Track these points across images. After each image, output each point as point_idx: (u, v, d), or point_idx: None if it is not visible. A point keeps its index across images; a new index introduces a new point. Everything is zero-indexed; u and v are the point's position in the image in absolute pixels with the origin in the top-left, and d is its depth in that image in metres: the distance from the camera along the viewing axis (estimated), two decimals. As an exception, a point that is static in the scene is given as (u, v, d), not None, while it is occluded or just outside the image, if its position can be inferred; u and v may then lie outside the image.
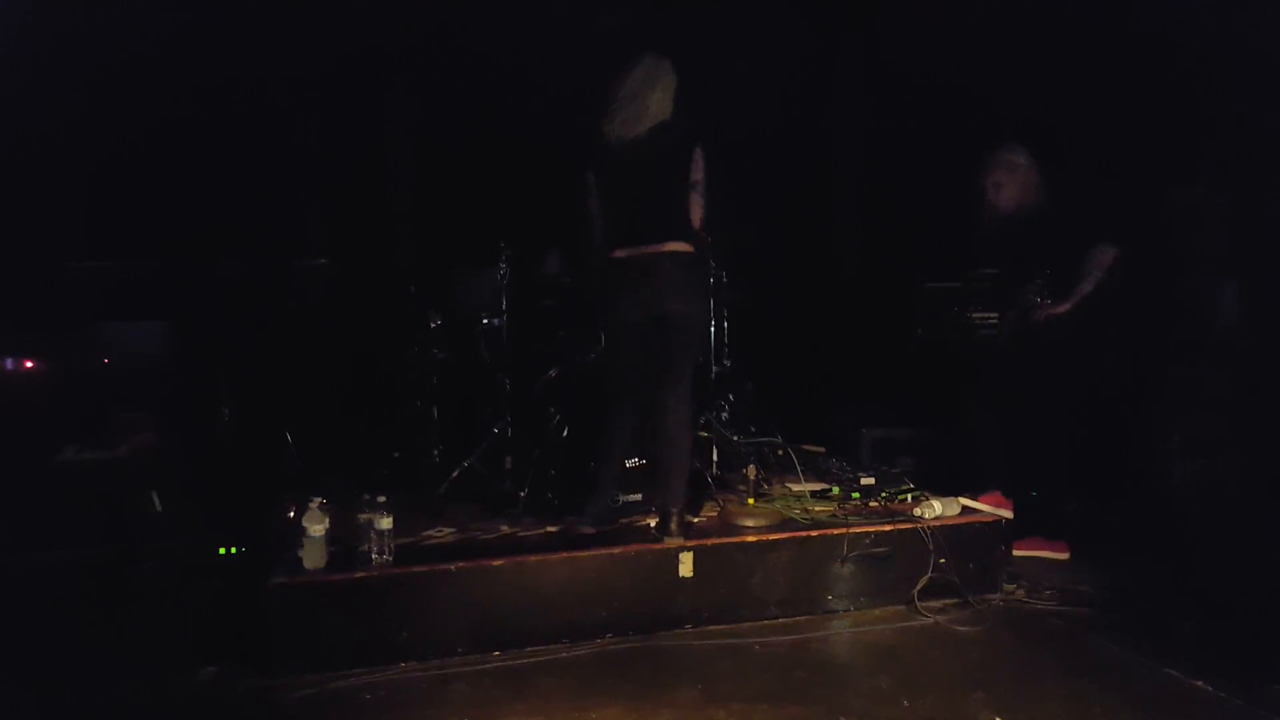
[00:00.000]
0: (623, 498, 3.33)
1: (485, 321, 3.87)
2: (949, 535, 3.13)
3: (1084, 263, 3.47)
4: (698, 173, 2.97)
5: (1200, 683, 2.50)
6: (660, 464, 3.09)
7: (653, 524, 3.09)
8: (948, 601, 3.09)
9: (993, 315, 3.81)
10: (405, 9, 4.59)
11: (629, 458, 3.26)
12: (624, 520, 3.22)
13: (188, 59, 4.24)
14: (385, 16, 4.57)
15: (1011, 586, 3.22)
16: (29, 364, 3.80)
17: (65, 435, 3.70)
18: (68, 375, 3.85)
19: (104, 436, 3.73)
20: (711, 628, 2.91)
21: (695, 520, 3.19)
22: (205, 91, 4.30)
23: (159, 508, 3.59)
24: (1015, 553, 3.48)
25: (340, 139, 4.74)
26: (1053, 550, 3.56)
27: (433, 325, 3.91)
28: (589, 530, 3.05)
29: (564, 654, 2.72)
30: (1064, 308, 3.46)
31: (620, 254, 3.02)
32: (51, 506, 3.50)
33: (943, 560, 3.09)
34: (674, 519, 2.96)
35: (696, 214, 2.99)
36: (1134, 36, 4.23)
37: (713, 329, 4.06)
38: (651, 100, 2.98)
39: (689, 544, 2.93)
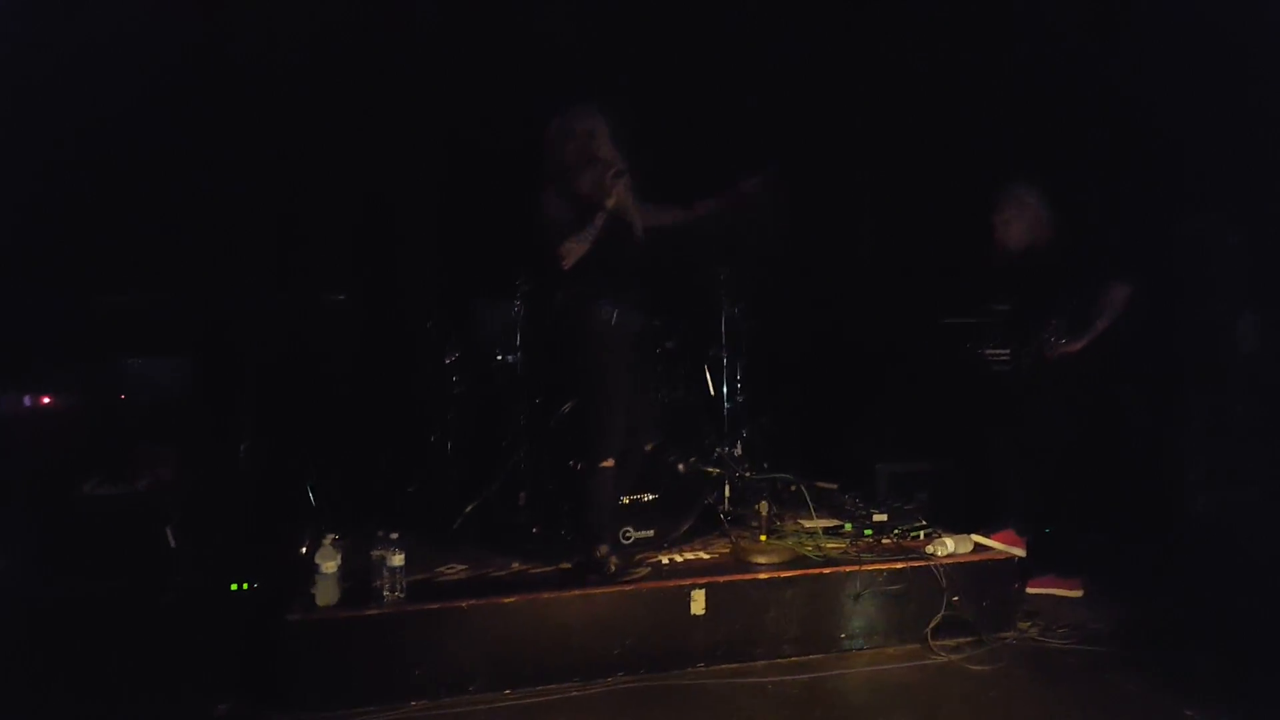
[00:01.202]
0: (635, 534, 3.34)
1: (500, 357, 3.91)
2: (962, 573, 3.12)
3: (1097, 301, 3.47)
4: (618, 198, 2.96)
5: (1218, 725, 2.46)
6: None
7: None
8: (962, 640, 3.07)
9: (1004, 352, 3.81)
10: (424, 43, 4.68)
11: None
12: (638, 557, 3.21)
13: (208, 95, 4.33)
14: (405, 51, 4.67)
15: (1026, 624, 3.19)
16: (46, 400, 3.86)
17: (85, 469, 3.74)
18: (88, 409, 3.91)
19: (124, 470, 3.77)
20: (725, 666, 2.90)
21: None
22: (225, 126, 4.39)
23: (173, 543, 3.62)
24: (1029, 590, 3.46)
25: (359, 175, 4.83)
26: (1066, 588, 3.51)
27: (449, 360, 3.95)
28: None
29: (576, 693, 2.72)
30: (1077, 345, 3.45)
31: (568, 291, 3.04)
32: (70, 540, 3.54)
33: (956, 598, 3.07)
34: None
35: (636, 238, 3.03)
36: (1148, 67, 4.23)
37: (725, 363, 4.08)
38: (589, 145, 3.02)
39: (701, 580, 2.93)
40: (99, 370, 4.01)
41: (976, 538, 3.29)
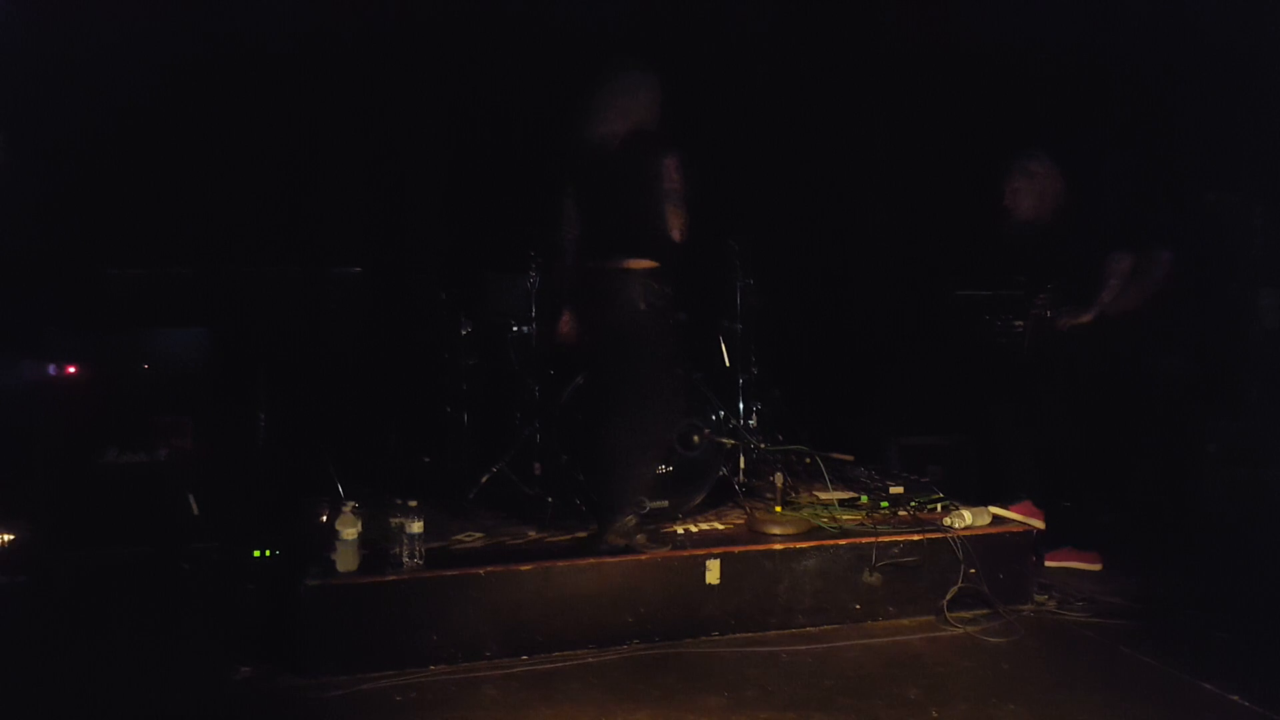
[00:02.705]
0: (649, 504, 3.34)
1: (515, 329, 3.91)
2: (979, 545, 3.11)
3: (1100, 271, 3.45)
4: (670, 183, 2.91)
5: (1236, 697, 2.45)
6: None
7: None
8: (978, 612, 3.07)
9: (1017, 323, 3.78)
10: (433, 15, 4.64)
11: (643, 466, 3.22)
12: (650, 528, 3.23)
13: (224, 70, 4.33)
14: (416, 22, 4.63)
15: (1043, 597, 3.19)
16: (72, 369, 3.90)
17: (107, 437, 3.79)
18: (110, 379, 3.95)
19: (144, 439, 3.82)
20: (738, 635, 2.91)
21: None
22: (240, 100, 4.38)
23: (196, 510, 3.67)
24: (1047, 563, 3.46)
25: (373, 147, 4.82)
26: (1085, 561, 3.51)
27: (464, 332, 3.95)
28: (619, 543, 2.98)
29: (591, 659, 2.74)
30: (1085, 317, 3.43)
31: (591, 265, 3.02)
32: (93, 508, 3.59)
33: (973, 570, 3.07)
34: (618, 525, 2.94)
35: (675, 225, 2.93)
36: (1171, 41, 4.17)
37: (739, 335, 4.06)
38: (630, 106, 2.94)
39: (716, 550, 2.94)
40: (119, 341, 4.04)
41: (995, 509, 3.28)
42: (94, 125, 4.11)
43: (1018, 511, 3.29)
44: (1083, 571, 3.48)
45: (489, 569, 2.78)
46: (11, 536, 3.47)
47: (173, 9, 4.19)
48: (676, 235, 2.95)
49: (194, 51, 4.24)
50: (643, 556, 2.90)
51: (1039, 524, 3.28)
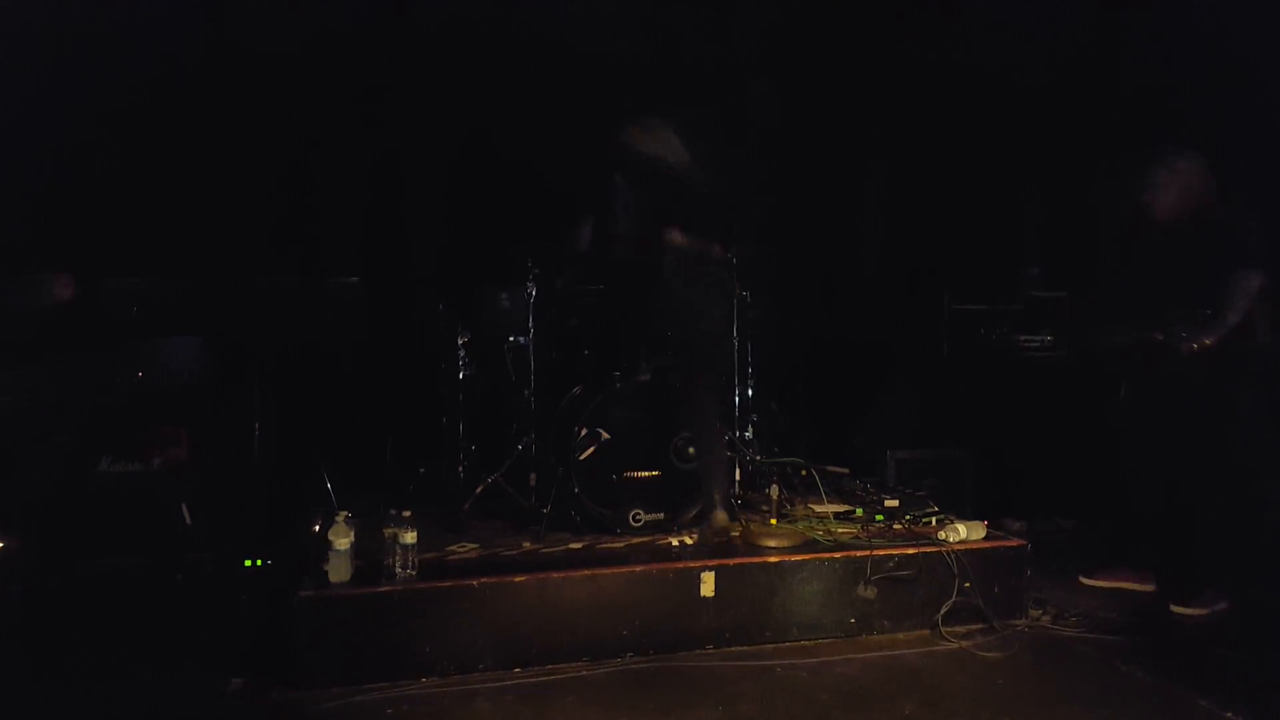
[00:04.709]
0: (645, 516, 3.34)
1: (512, 340, 3.91)
2: (974, 559, 3.10)
3: (1227, 289, 3.04)
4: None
5: (1230, 714, 2.44)
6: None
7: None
8: (973, 626, 3.06)
9: (1042, 338, 3.67)
10: (431, 26, 4.67)
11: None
12: (647, 539, 3.23)
13: (219, 77, 4.34)
14: (412, 33, 4.65)
15: (1038, 612, 3.18)
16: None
17: (101, 447, 3.78)
18: (103, 388, 3.94)
19: (138, 449, 3.80)
20: (733, 648, 2.90)
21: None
22: (237, 108, 4.39)
23: (189, 521, 3.65)
24: (1097, 583, 3.43)
25: (370, 157, 4.83)
26: (1138, 582, 3.41)
27: (461, 343, 3.96)
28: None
29: (585, 672, 2.73)
30: (1210, 339, 2.99)
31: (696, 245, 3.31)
32: (86, 517, 3.57)
33: (968, 584, 3.06)
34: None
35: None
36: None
37: (735, 348, 4.07)
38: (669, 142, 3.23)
39: (710, 563, 2.93)
40: (113, 351, 4.03)
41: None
42: (89, 134, 4.12)
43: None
44: (1129, 592, 3.40)
45: (483, 580, 2.76)
46: (2, 545, 3.45)
47: (169, 9, 4.18)
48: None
49: (195, 58, 4.26)
50: (636, 568, 2.90)
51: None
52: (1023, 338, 4.31)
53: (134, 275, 4.23)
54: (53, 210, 4.07)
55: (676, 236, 3.25)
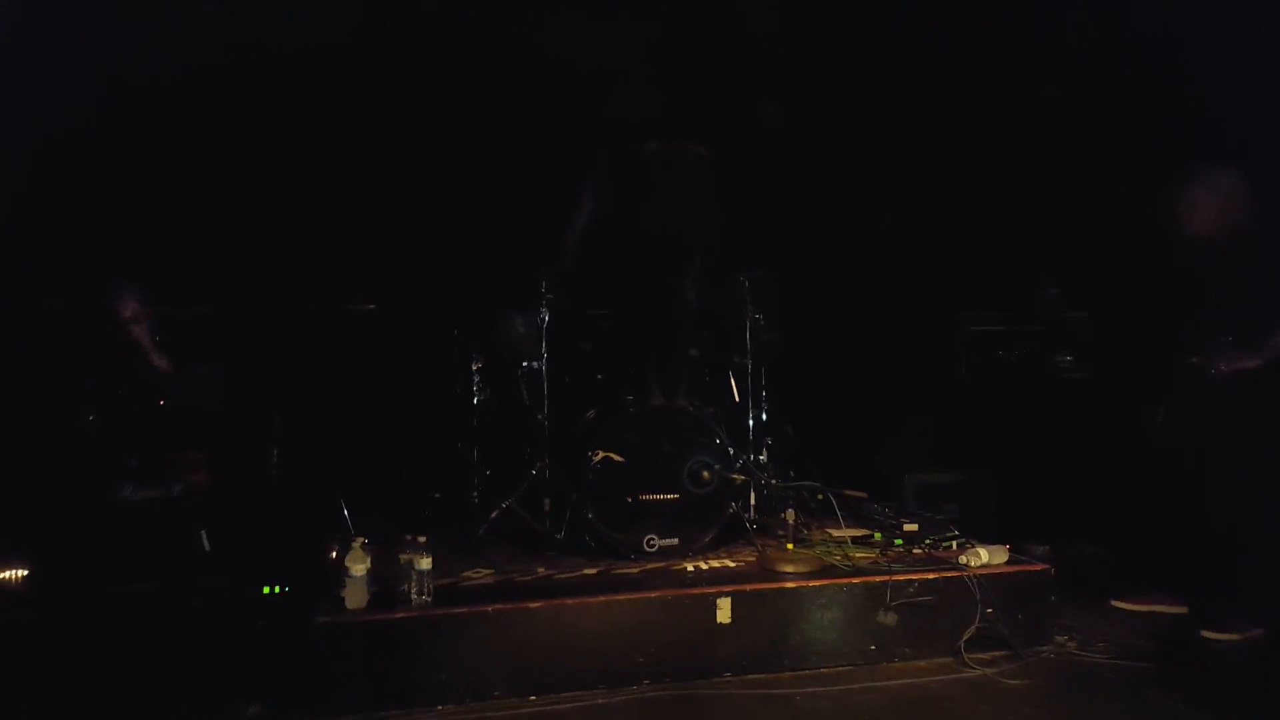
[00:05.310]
0: (659, 541, 3.32)
1: (525, 365, 3.92)
2: (996, 584, 3.05)
3: (1270, 310, 3.02)
4: None
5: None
6: None
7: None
8: (996, 653, 3.00)
9: (1063, 358, 3.60)
10: (442, 48, 4.72)
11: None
12: (661, 564, 3.20)
13: (233, 110, 4.41)
14: (423, 59, 4.72)
15: (1063, 638, 3.11)
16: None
17: (123, 474, 3.81)
18: (125, 414, 3.98)
19: (159, 475, 3.83)
20: (751, 676, 2.86)
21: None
22: (253, 137, 4.46)
23: (208, 547, 3.67)
24: (1131, 607, 3.37)
25: (385, 184, 4.89)
26: (1171, 604, 3.36)
27: (475, 368, 3.97)
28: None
29: (601, 700, 2.70)
30: (1251, 362, 2.97)
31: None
32: (107, 543, 3.60)
33: (990, 610, 3.01)
34: None
35: None
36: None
37: (749, 371, 4.06)
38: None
39: (727, 589, 2.90)
40: (134, 377, 4.08)
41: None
42: (105, 162, 4.18)
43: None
44: (1161, 615, 3.35)
45: (498, 606, 2.75)
46: (25, 572, 3.48)
47: (183, 27, 4.24)
48: None
49: (213, 86, 4.32)
50: (652, 594, 2.87)
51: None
52: (1060, 359, 4.22)
53: (155, 304, 4.29)
54: (71, 239, 4.13)
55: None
